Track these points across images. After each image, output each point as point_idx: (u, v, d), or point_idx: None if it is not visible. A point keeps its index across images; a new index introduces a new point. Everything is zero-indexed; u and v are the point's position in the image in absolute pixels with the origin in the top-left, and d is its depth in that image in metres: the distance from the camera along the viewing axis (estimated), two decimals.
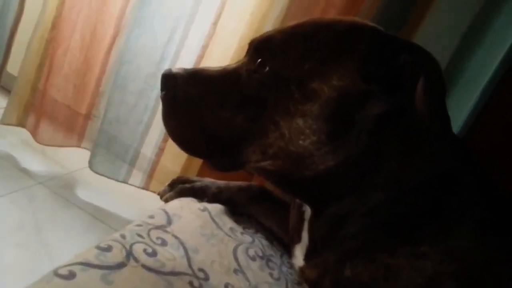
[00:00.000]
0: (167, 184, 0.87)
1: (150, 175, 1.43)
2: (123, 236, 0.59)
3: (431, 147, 0.58)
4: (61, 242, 1.17)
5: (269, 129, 0.57)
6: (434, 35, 0.91)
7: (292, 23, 0.61)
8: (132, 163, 1.44)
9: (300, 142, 0.56)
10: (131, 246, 0.58)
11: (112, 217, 1.38)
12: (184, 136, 0.62)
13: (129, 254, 0.57)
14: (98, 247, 0.56)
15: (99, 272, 0.52)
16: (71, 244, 1.18)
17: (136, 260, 0.56)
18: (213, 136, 0.60)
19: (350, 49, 0.56)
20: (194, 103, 0.61)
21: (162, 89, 0.63)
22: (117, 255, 0.56)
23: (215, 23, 1.25)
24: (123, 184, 1.44)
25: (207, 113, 0.60)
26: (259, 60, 0.58)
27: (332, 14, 1.06)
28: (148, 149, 1.42)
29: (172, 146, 0.62)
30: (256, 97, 0.58)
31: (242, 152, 0.60)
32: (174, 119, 0.62)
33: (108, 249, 0.56)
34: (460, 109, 0.87)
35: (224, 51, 1.25)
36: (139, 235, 0.61)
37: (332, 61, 0.55)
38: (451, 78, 0.88)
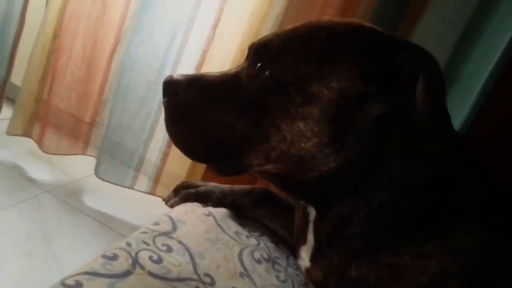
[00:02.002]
0: (171, 190, 0.87)
1: (156, 180, 1.44)
2: (128, 244, 0.60)
3: (431, 147, 0.58)
4: (69, 250, 1.18)
5: (271, 133, 0.57)
6: (432, 32, 0.91)
7: (290, 26, 0.61)
8: (138, 169, 1.45)
9: (302, 144, 0.56)
10: (136, 253, 0.59)
11: (119, 223, 1.39)
12: (187, 142, 0.63)
13: (135, 261, 0.57)
14: (104, 256, 0.56)
15: (106, 281, 0.52)
16: (80, 251, 1.19)
17: (142, 267, 0.57)
18: (216, 141, 0.60)
19: (348, 51, 0.56)
20: (196, 109, 0.61)
21: (164, 96, 0.63)
22: (123, 263, 0.56)
23: (214, 27, 1.26)
24: (129, 190, 1.46)
25: (209, 118, 0.60)
26: (259, 64, 0.59)
27: (330, 14, 1.07)
28: (153, 155, 1.43)
29: (176, 151, 0.63)
30: (257, 101, 0.58)
31: (244, 156, 0.60)
32: (177, 126, 0.63)
33: (114, 257, 0.56)
34: (461, 106, 0.87)
35: (224, 54, 1.26)
36: (145, 242, 0.62)
37: (330, 64, 0.56)
38: (451, 76, 0.88)
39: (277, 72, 0.57)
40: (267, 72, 0.58)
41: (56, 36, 1.38)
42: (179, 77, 0.63)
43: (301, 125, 0.55)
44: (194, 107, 0.61)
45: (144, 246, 0.61)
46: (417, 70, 0.52)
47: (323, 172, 0.58)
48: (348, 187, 0.59)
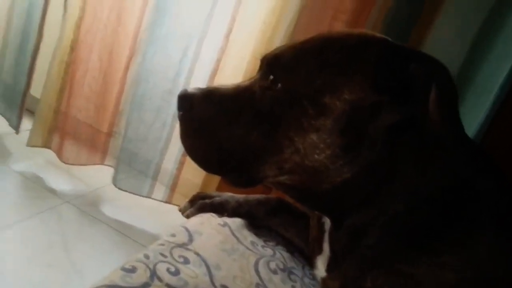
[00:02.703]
0: (187, 200, 0.88)
1: (172, 189, 1.46)
2: (146, 256, 0.61)
3: (445, 156, 0.58)
4: (90, 259, 1.21)
5: (284, 144, 0.57)
6: (445, 39, 0.90)
7: (301, 35, 0.61)
8: (154, 178, 1.47)
9: (316, 156, 0.56)
10: (154, 265, 0.60)
11: (138, 232, 1.41)
12: (202, 154, 0.64)
13: (153, 274, 0.58)
14: (123, 269, 0.57)
15: None
16: (100, 261, 1.21)
17: (160, 279, 0.58)
18: (229, 153, 0.61)
19: (360, 62, 0.56)
20: (210, 122, 0.62)
21: (179, 110, 0.64)
22: (141, 276, 0.57)
23: (227, 36, 1.27)
24: (147, 199, 1.48)
25: (223, 131, 0.61)
26: (271, 77, 0.59)
27: (342, 20, 1.07)
28: (169, 164, 1.45)
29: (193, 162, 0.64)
30: (270, 113, 0.58)
31: (258, 168, 0.61)
32: (192, 138, 0.64)
33: (133, 270, 0.58)
34: (474, 114, 0.86)
35: (238, 63, 1.27)
36: (162, 255, 0.63)
37: (342, 75, 0.56)
38: (464, 84, 0.87)
39: (290, 84, 0.57)
40: (279, 85, 0.58)
41: (73, 49, 1.42)
42: (194, 91, 0.64)
43: (314, 137, 0.56)
44: (208, 120, 0.62)
45: (162, 258, 0.62)
46: (429, 79, 0.52)
47: (337, 183, 0.58)
48: (362, 197, 0.59)
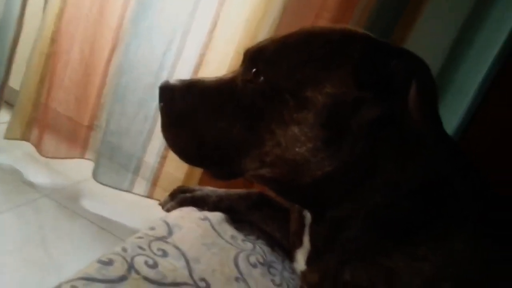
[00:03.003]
0: (168, 194, 0.87)
1: (154, 183, 1.45)
2: (124, 249, 0.60)
3: (424, 151, 0.59)
4: (68, 254, 1.19)
5: (266, 137, 0.57)
6: (426, 38, 0.91)
7: (285, 32, 0.61)
8: (136, 172, 1.46)
9: (297, 149, 0.57)
10: (132, 258, 0.59)
11: (118, 226, 1.39)
12: (183, 146, 0.63)
13: (131, 267, 0.58)
14: (99, 261, 0.57)
15: (102, 286, 0.53)
16: (78, 256, 1.19)
17: (137, 272, 0.57)
18: (211, 146, 0.61)
19: (342, 57, 0.56)
20: (192, 114, 0.62)
21: (160, 101, 0.64)
22: (118, 269, 0.57)
23: (211, 31, 1.26)
24: (128, 193, 1.46)
25: (205, 123, 0.61)
26: (254, 70, 0.59)
27: (326, 18, 1.07)
28: (151, 158, 1.43)
29: (174, 154, 0.64)
30: (252, 106, 0.58)
31: (240, 161, 0.61)
32: (173, 131, 0.63)
33: (110, 262, 0.57)
34: (454, 112, 0.87)
35: (221, 58, 1.27)
36: (140, 247, 0.62)
37: (324, 70, 0.56)
38: (445, 81, 0.89)
39: (272, 77, 0.57)
40: (262, 78, 0.58)
41: (54, 40, 1.39)
42: (175, 82, 0.64)
43: (295, 130, 0.56)
44: (189, 112, 0.62)
45: (140, 251, 0.61)
46: (409, 75, 0.53)
47: (318, 176, 0.58)
48: (343, 191, 0.59)
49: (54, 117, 1.49)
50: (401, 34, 0.96)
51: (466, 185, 0.59)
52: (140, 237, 0.65)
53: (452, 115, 0.87)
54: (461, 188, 0.59)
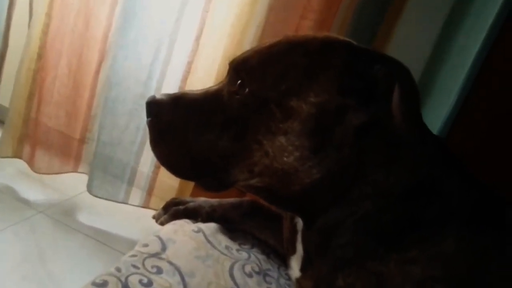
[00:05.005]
0: (161, 207, 0.87)
1: (149, 193, 1.44)
2: (118, 269, 0.60)
3: (411, 154, 0.59)
4: (66, 270, 1.19)
5: (253, 148, 0.58)
6: (409, 40, 0.92)
7: (270, 35, 0.61)
8: (131, 182, 1.46)
9: (284, 159, 0.57)
10: (126, 278, 0.59)
11: (115, 239, 1.39)
12: (172, 160, 0.64)
13: (125, 287, 0.58)
14: (94, 284, 0.57)
15: None
16: (77, 271, 1.19)
17: None
18: (200, 158, 0.61)
19: (324, 65, 0.57)
20: (179, 128, 0.62)
21: (147, 116, 0.64)
22: None
23: (198, 39, 1.26)
24: (124, 204, 1.46)
25: (192, 136, 0.61)
26: (239, 81, 0.59)
27: (310, 19, 1.07)
28: (145, 167, 1.43)
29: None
30: (238, 118, 0.59)
31: (229, 172, 0.61)
32: (161, 145, 0.64)
33: (104, 284, 0.57)
34: (439, 112, 0.87)
35: (209, 65, 1.27)
36: (134, 266, 0.62)
37: (307, 79, 0.56)
38: (428, 82, 0.89)
39: (257, 89, 0.58)
40: (247, 89, 0.58)
41: (40, 55, 1.39)
42: (162, 97, 0.64)
43: (282, 139, 0.56)
44: (177, 125, 0.62)
45: (134, 270, 0.61)
46: (392, 80, 0.53)
47: (307, 184, 0.59)
48: (333, 197, 0.59)
49: (45, 132, 1.48)
50: (386, 33, 0.96)
51: (453, 185, 0.59)
52: (133, 255, 0.65)
53: (436, 116, 0.87)
54: (449, 188, 0.59)
